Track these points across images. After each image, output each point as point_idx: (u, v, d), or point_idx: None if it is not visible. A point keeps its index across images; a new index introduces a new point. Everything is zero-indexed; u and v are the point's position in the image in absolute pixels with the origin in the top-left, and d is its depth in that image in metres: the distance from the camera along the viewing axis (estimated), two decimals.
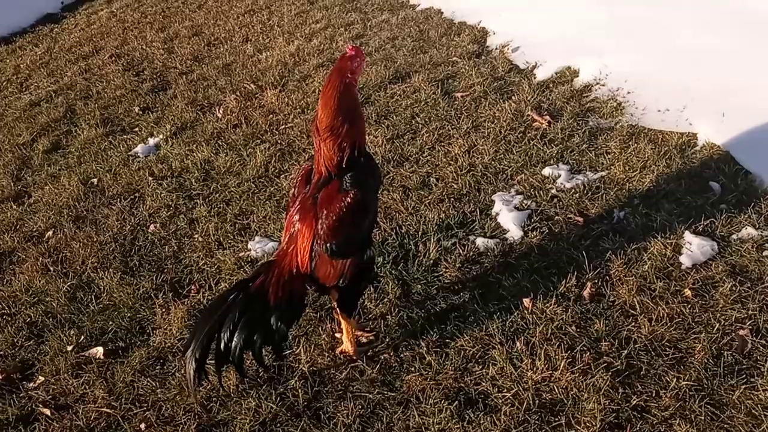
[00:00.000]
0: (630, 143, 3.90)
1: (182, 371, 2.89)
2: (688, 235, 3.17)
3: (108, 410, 2.88)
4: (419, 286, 3.20)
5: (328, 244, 2.51)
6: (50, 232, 4.21)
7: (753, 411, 2.41)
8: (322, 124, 2.48)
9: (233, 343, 2.45)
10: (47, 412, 2.93)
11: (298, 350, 2.96)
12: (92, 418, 2.86)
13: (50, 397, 3.02)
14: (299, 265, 2.58)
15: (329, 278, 2.60)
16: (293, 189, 2.74)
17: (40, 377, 3.13)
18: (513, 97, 4.63)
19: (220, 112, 5.34)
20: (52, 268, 3.84)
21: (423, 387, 2.70)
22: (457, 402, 2.62)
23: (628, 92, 4.40)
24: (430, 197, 3.78)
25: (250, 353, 2.52)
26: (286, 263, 2.60)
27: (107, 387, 2.99)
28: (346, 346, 2.91)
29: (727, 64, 4.29)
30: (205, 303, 3.33)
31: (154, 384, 2.95)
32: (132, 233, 4.03)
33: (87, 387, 3.02)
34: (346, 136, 2.47)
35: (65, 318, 3.45)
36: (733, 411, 2.43)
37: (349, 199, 2.48)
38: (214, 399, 2.82)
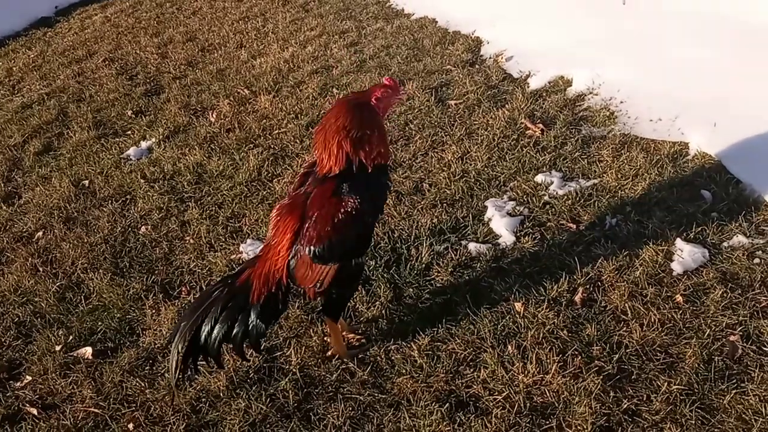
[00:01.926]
0: (622, 152, 3.92)
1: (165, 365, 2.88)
2: (679, 243, 3.18)
3: (96, 410, 2.85)
4: (411, 290, 3.20)
5: (310, 247, 2.46)
6: (40, 233, 4.18)
7: (743, 416, 2.42)
8: (346, 125, 2.43)
9: (213, 336, 2.47)
10: (34, 411, 2.90)
11: (288, 352, 2.95)
12: (80, 418, 2.83)
13: (37, 396, 2.99)
14: (279, 265, 2.54)
15: (305, 281, 2.54)
16: (292, 185, 2.70)
17: (28, 377, 3.10)
18: (506, 106, 4.65)
19: (214, 116, 5.34)
20: (41, 269, 3.81)
21: (414, 389, 2.69)
22: (448, 404, 2.61)
23: (621, 102, 4.43)
24: (422, 202, 3.78)
25: (231, 346, 2.54)
26: (269, 259, 2.56)
27: (95, 387, 2.96)
28: (336, 349, 2.90)
29: (719, 75, 4.33)
30: None
31: (143, 384, 2.92)
32: (123, 235, 4.01)
33: (75, 387, 2.99)
34: (369, 144, 2.45)
35: (54, 318, 3.42)
36: (723, 415, 2.43)
37: (344, 206, 2.42)
38: (203, 399, 2.80)
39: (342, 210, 2.42)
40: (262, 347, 2.83)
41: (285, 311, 2.76)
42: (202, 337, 2.48)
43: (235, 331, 2.49)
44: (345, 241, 2.47)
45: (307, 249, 2.47)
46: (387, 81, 2.58)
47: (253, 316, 2.50)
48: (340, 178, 2.47)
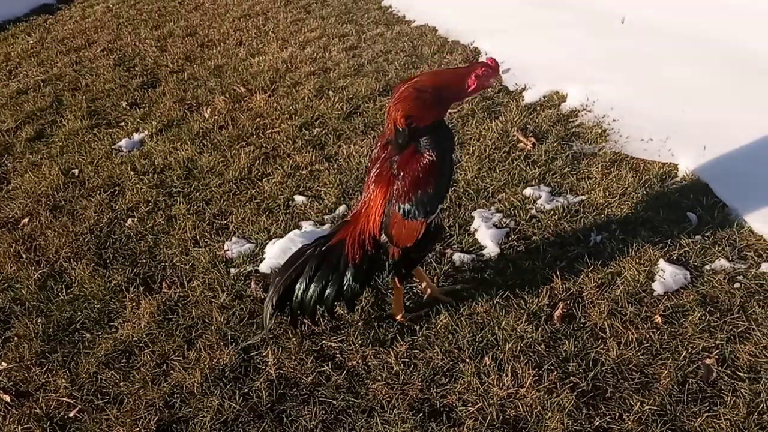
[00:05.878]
0: (612, 170, 3.93)
1: (262, 314, 2.93)
2: (662, 263, 3.19)
3: (69, 400, 2.84)
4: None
5: (399, 204, 2.62)
6: (26, 220, 4.17)
7: None
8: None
9: (308, 294, 2.72)
10: (7, 398, 2.88)
11: (265, 352, 2.94)
12: (52, 407, 2.82)
13: (12, 383, 2.98)
14: (372, 225, 2.72)
15: (402, 239, 2.69)
16: (374, 150, 2.84)
17: (3, 363, 3.08)
18: (500, 118, 4.66)
19: (208, 112, 5.33)
20: (24, 255, 3.80)
21: (389, 396, 2.69)
22: (421, 414, 2.60)
23: (614, 120, 4.45)
24: None
25: (323, 307, 2.80)
26: (361, 222, 2.74)
27: (70, 377, 2.95)
28: (395, 310, 3.04)
29: (711, 99, 4.36)
30: (176, 299, 3.31)
31: (117, 377, 2.92)
32: (109, 226, 4.00)
33: (50, 375, 2.98)
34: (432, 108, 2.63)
35: (33, 305, 3.41)
36: None
37: (425, 161, 2.59)
38: (176, 395, 2.79)
39: (424, 164, 2.59)
40: (355, 308, 3.01)
41: (380, 273, 3.04)
42: (298, 294, 2.72)
43: (327, 292, 2.72)
44: (427, 194, 2.62)
45: (397, 206, 2.63)
46: (490, 61, 2.75)
47: (348, 276, 2.71)
48: (418, 134, 2.61)
